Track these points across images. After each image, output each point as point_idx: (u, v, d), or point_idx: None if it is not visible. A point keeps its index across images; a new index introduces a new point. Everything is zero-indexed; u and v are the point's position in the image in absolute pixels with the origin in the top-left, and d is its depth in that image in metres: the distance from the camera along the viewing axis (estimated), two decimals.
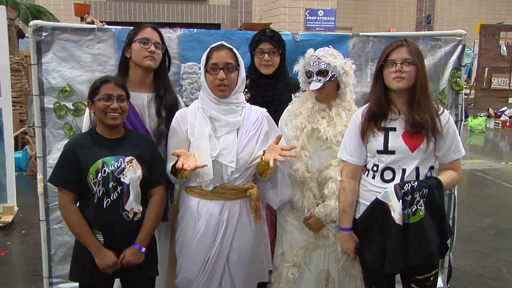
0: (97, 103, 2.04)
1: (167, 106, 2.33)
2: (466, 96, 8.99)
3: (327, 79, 2.25)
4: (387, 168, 2.09)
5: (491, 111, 10.94)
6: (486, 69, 12.71)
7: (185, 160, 2.05)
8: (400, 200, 1.99)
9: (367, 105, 2.17)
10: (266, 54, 2.55)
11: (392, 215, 2.00)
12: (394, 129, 2.08)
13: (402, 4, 17.52)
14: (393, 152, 2.07)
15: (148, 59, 2.28)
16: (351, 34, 2.87)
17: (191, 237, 2.20)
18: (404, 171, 2.06)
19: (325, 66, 2.24)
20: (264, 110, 2.28)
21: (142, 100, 2.33)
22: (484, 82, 12.75)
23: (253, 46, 2.60)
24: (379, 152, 2.10)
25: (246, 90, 2.57)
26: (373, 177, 2.13)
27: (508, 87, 12.64)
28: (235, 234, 2.19)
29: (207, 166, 2.09)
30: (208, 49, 2.19)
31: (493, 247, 4.12)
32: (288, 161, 2.26)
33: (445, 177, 2.10)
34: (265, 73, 2.58)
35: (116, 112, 2.03)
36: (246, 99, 2.49)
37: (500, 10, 17.88)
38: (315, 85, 2.25)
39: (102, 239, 2.05)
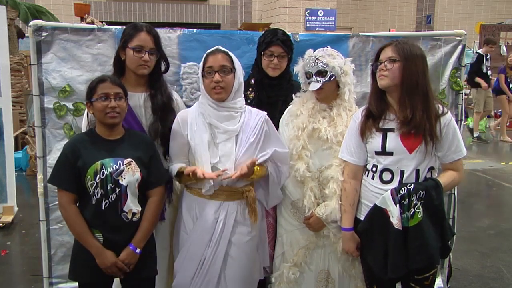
0: (95, 103, 2.03)
1: (161, 105, 2.33)
2: (466, 96, 8.97)
3: (326, 79, 2.25)
4: (385, 169, 2.09)
5: None
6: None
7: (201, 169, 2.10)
8: (398, 205, 1.98)
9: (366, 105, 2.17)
10: (276, 58, 2.51)
11: (391, 220, 1.99)
12: (392, 130, 2.07)
13: (402, 4, 17.51)
14: (391, 153, 2.06)
15: (141, 67, 2.28)
16: (351, 34, 2.86)
17: (188, 236, 2.23)
18: (402, 172, 2.05)
19: (324, 66, 2.25)
20: (264, 113, 2.27)
21: (138, 99, 2.33)
22: None
23: (263, 47, 2.53)
24: (377, 153, 2.09)
25: (250, 89, 2.56)
26: (372, 178, 2.13)
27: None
28: (232, 236, 2.19)
29: (227, 170, 2.11)
30: (205, 54, 2.21)
31: (493, 247, 4.12)
32: (287, 165, 2.29)
33: (444, 178, 2.09)
34: (272, 75, 2.55)
35: (114, 111, 2.03)
36: (250, 98, 2.49)
37: (500, 10, 17.87)
38: (314, 85, 2.26)
39: (102, 239, 2.05)
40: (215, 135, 2.19)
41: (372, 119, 2.10)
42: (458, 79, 2.86)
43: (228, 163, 2.15)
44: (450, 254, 2.97)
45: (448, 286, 3.08)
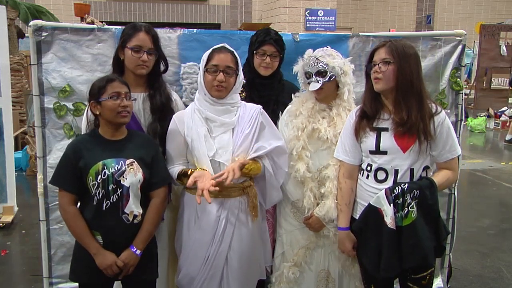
0: (105, 102, 2.01)
1: (160, 105, 2.33)
2: (466, 96, 8.98)
3: (326, 79, 2.25)
4: (379, 168, 2.09)
5: (491, 111, 10.94)
6: (486, 69, 12.72)
7: (201, 180, 2.06)
8: (391, 204, 1.98)
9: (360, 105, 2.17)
10: (268, 57, 2.52)
11: (385, 219, 1.99)
12: (386, 129, 2.07)
13: (402, 4, 17.52)
14: (385, 153, 2.06)
15: (140, 67, 2.28)
16: (351, 34, 2.86)
17: (191, 235, 2.23)
18: (396, 171, 2.05)
19: (324, 66, 2.25)
20: (259, 106, 2.28)
21: (137, 99, 2.32)
22: (484, 82, 12.76)
23: (256, 46, 2.54)
24: (371, 152, 2.10)
25: (242, 89, 2.57)
26: (367, 177, 2.13)
27: (508, 87, 12.64)
28: (234, 232, 2.20)
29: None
30: (210, 49, 2.20)
31: (493, 247, 4.12)
32: (285, 163, 2.29)
33: (439, 177, 2.08)
34: (264, 74, 2.56)
35: (125, 110, 2.02)
36: (242, 97, 2.49)
37: (500, 10, 17.88)
38: (314, 85, 2.26)
39: (102, 241, 2.04)
40: (211, 129, 2.20)
41: (366, 119, 2.10)
42: (458, 79, 2.86)
43: (225, 155, 2.15)
44: (450, 254, 2.98)
45: (448, 286, 3.08)
